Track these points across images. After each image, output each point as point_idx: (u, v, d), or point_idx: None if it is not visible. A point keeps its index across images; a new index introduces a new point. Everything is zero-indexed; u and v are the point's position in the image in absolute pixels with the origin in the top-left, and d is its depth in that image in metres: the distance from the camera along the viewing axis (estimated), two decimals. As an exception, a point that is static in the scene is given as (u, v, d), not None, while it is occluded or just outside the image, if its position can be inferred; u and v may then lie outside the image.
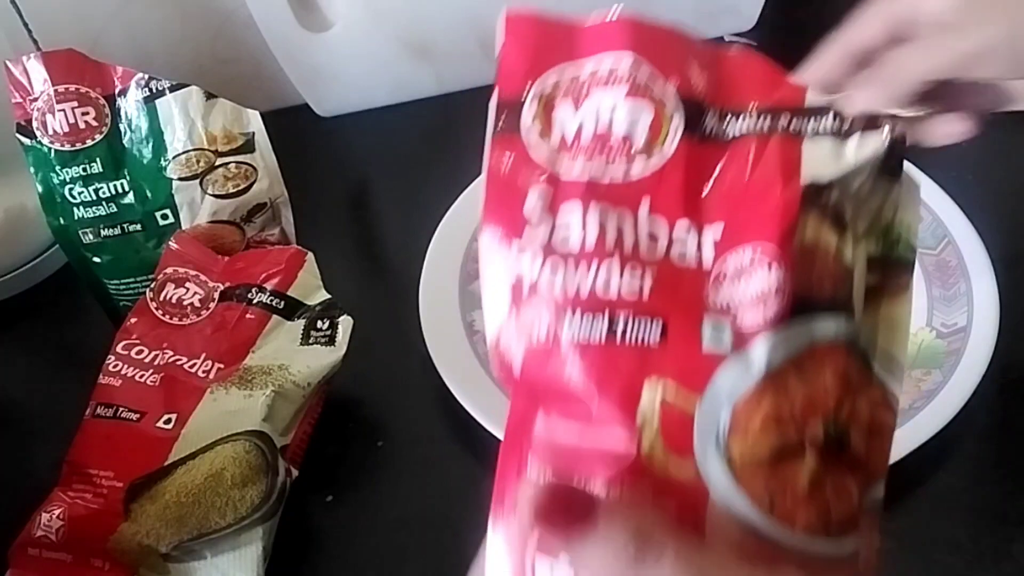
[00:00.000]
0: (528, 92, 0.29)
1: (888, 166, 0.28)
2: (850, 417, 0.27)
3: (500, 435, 0.47)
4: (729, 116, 0.29)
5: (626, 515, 0.26)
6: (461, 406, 0.49)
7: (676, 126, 0.28)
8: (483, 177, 0.29)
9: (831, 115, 0.28)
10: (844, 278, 0.27)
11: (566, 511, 0.26)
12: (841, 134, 0.28)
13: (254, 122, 0.57)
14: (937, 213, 0.55)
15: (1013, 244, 0.54)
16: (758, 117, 0.29)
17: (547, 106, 0.29)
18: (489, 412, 0.49)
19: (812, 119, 0.28)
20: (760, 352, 0.26)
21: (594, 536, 0.26)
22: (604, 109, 0.28)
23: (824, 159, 0.28)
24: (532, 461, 0.28)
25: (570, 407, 0.27)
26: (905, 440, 0.45)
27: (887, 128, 0.28)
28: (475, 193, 0.63)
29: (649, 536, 0.25)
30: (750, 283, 0.27)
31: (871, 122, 0.28)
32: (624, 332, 0.27)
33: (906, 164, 0.28)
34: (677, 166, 0.28)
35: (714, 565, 0.25)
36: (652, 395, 0.27)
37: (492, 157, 0.29)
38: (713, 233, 0.28)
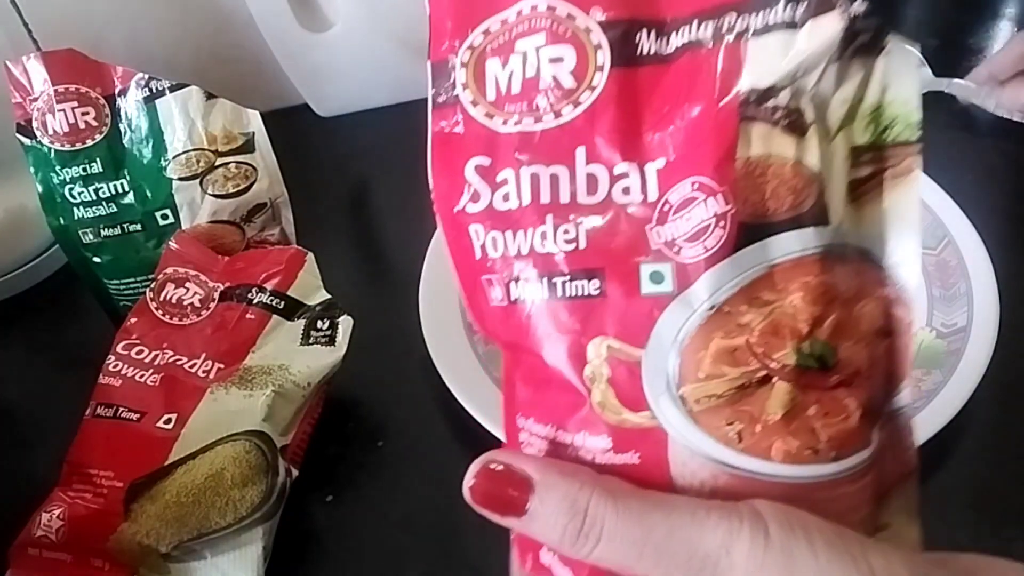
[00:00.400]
0: (458, 54, 0.28)
1: (861, 45, 0.25)
2: (838, 330, 0.25)
3: (500, 435, 0.47)
4: (669, 31, 0.26)
5: (562, 493, 0.26)
6: (461, 406, 0.49)
7: (603, 60, 0.26)
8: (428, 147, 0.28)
9: (781, 3, 0.24)
10: (807, 186, 0.25)
11: (504, 496, 0.29)
12: (795, 24, 0.24)
13: (254, 122, 0.57)
14: (937, 213, 0.55)
15: (1013, 244, 0.54)
16: (699, 25, 0.25)
17: (478, 65, 0.28)
18: (489, 412, 0.49)
19: (759, 13, 0.25)
20: (701, 289, 0.25)
21: (535, 520, 0.27)
22: (529, 57, 0.27)
23: (771, 58, 0.25)
24: (519, 416, 0.30)
25: (531, 364, 0.28)
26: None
27: (841, 5, 0.24)
28: None
29: (583, 513, 0.26)
30: (691, 217, 0.25)
31: (824, 3, 0.24)
32: (563, 289, 0.27)
33: (893, 36, 0.25)
34: (608, 103, 0.26)
35: (659, 526, 0.25)
36: (597, 350, 0.27)
37: (433, 128, 0.29)
38: (656, 167, 0.26)
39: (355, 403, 0.54)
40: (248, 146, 0.56)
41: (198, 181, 0.55)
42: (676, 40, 0.26)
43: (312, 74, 0.73)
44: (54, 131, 0.53)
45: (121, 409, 0.47)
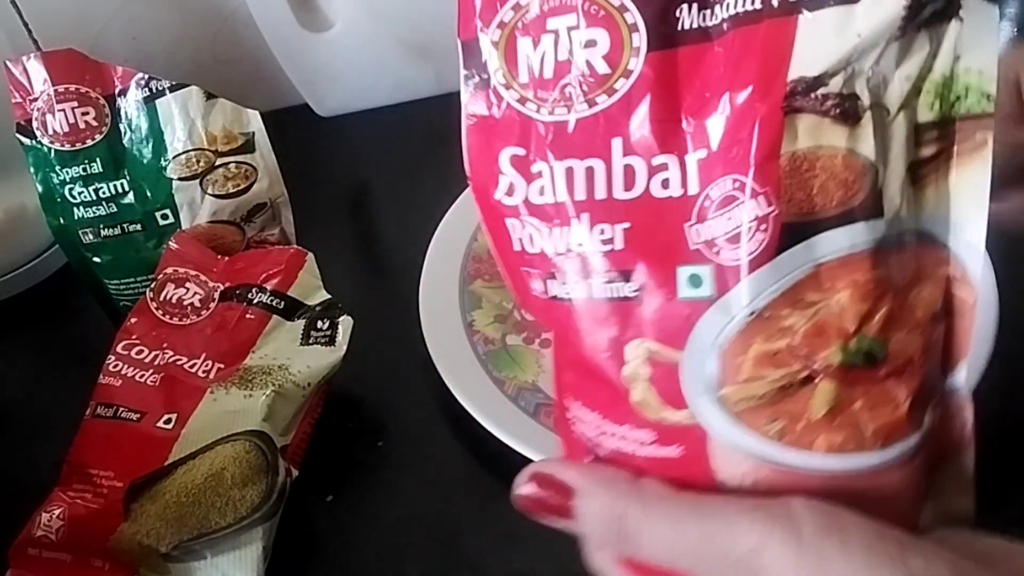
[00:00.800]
0: (488, 32, 0.27)
1: (931, 14, 0.23)
2: (889, 323, 0.24)
3: (500, 435, 0.47)
4: (714, 2, 0.24)
5: (600, 502, 0.27)
6: (461, 406, 0.49)
7: (639, 42, 0.25)
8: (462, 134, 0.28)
9: None
10: (858, 178, 0.24)
11: (550, 504, 0.29)
12: None
13: (254, 122, 0.57)
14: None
15: (1012, 244, 0.54)
16: None
17: (509, 45, 0.26)
18: (489, 412, 0.49)
19: None
20: (741, 294, 0.24)
21: (583, 523, 0.27)
22: (561, 39, 0.25)
23: (824, 39, 0.23)
24: (568, 398, 0.29)
25: (575, 352, 0.28)
26: None
27: None
28: (464, 205, 0.62)
29: (620, 519, 0.26)
30: (732, 217, 0.24)
31: None
32: (601, 290, 0.26)
33: None
34: (644, 89, 0.25)
35: (691, 530, 0.25)
36: (636, 351, 0.26)
37: (466, 112, 0.28)
38: (697, 158, 0.25)
39: (355, 403, 0.54)
40: (248, 146, 0.56)
41: (198, 181, 0.55)
42: (720, 13, 0.24)
43: (312, 74, 0.73)
44: (54, 131, 0.53)
45: (121, 409, 0.47)
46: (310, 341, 0.50)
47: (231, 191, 0.56)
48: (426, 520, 0.48)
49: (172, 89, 0.55)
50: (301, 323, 0.51)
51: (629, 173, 0.25)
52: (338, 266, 0.58)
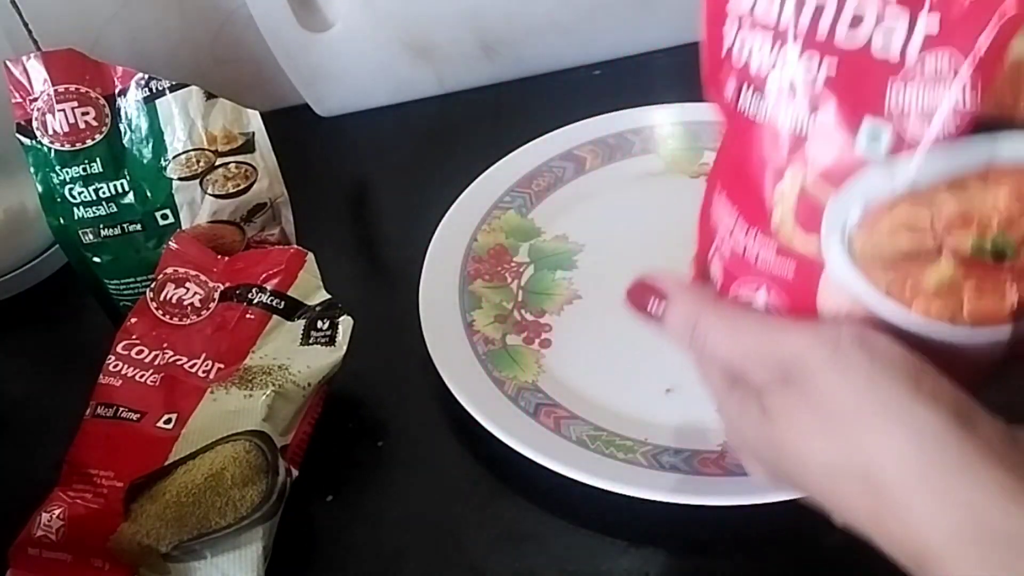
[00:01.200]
0: None
1: None
2: None
3: (499, 434, 0.47)
4: None
5: (683, 309, 0.34)
6: (461, 406, 0.49)
7: None
8: None
9: None
10: None
11: (645, 303, 0.36)
12: None
13: (254, 122, 0.57)
14: None
15: None
16: None
17: None
18: (489, 412, 0.49)
19: None
20: (911, 166, 0.26)
21: (667, 325, 0.35)
22: None
23: None
24: (718, 187, 0.33)
25: (741, 151, 0.30)
26: None
27: None
28: (475, 194, 0.63)
29: (694, 326, 0.33)
30: (935, 93, 0.25)
31: None
32: (787, 117, 0.28)
33: None
34: None
35: (749, 333, 0.31)
36: (794, 178, 0.28)
37: None
38: (927, 22, 0.25)
39: (355, 403, 0.54)
40: (248, 146, 0.56)
41: (198, 181, 0.55)
42: None
43: (312, 74, 0.73)
44: (54, 131, 0.53)
45: (121, 409, 0.47)
46: (310, 341, 0.50)
47: (231, 191, 0.56)
48: (426, 520, 0.48)
49: (172, 89, 0.54)
50: (301, 323, 0.51)
51: (856, 20, 0.26)
52: (338, 266, 0.59)
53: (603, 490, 0.45)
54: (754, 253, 0.31)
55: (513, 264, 0.59)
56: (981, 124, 0.25)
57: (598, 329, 0.55)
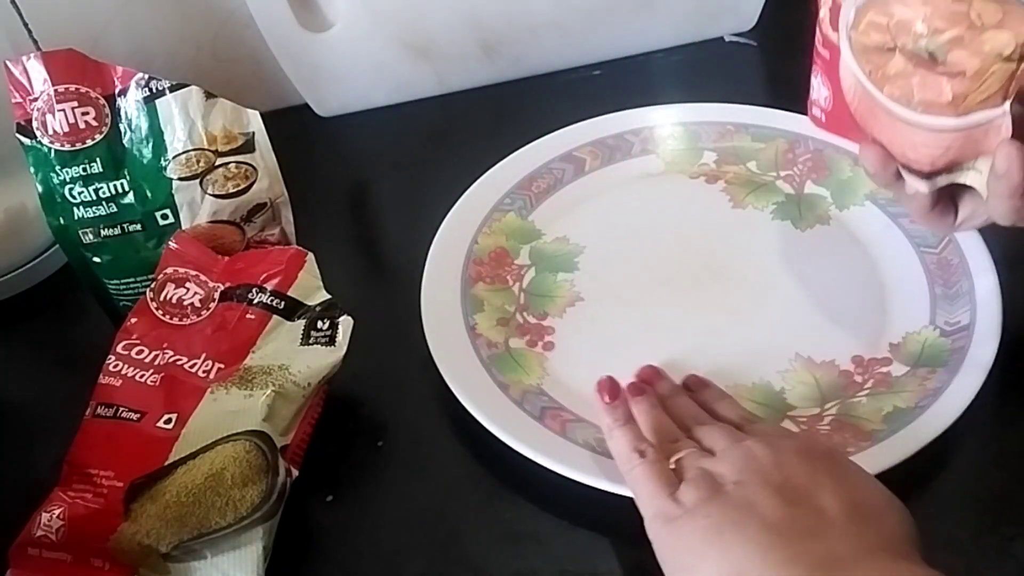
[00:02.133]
0: None
1: None
2: (955, 42, 0.37)
3: (506, 439, 0.47)
4: None
5: None
6: (461, 406, 0.49)
7: None
8: None
9: None
10: None
11: None
12: None
13: (254, 122, 0.57)
14: None
15: (1014, 243, 0.54)
16: None
17: None
18: (495, 416, 0.48)
19: None
20: None
21: None
22: None
23: None
24: None
25: None
26: (911, 439, 0.45)
27: None
28: (475, 196, 0.62)
29: None
30: None
31: None
32: None
33: None
34: None
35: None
36: None
37: None
38: None
39: (355, 403, 0.54)
40: (248, 146, 0.56)
41: (198, 181, 0.55)
42: None
43: (312, 74, 0.73)
44: (54, 131, 0.53)
45: (121, 409, 0.47)
46: (310, 341, 0.50)
47: (231, 191, 0.56)
48: (426, 520, 0.48)
49: (172, 89, 0.54)
50: (301, 323, 0.51)
51: None
52: (338, 266, 0.58)
53: (603, 490, 0.45)
54: (818, 42, 0.46)
55: (514, 267, 0.59)
56: None
57: (601, 331, 0.55)
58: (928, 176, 0.42)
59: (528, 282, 0.58)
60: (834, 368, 0.51)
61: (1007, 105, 0.37)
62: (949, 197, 0.45)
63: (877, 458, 0.44)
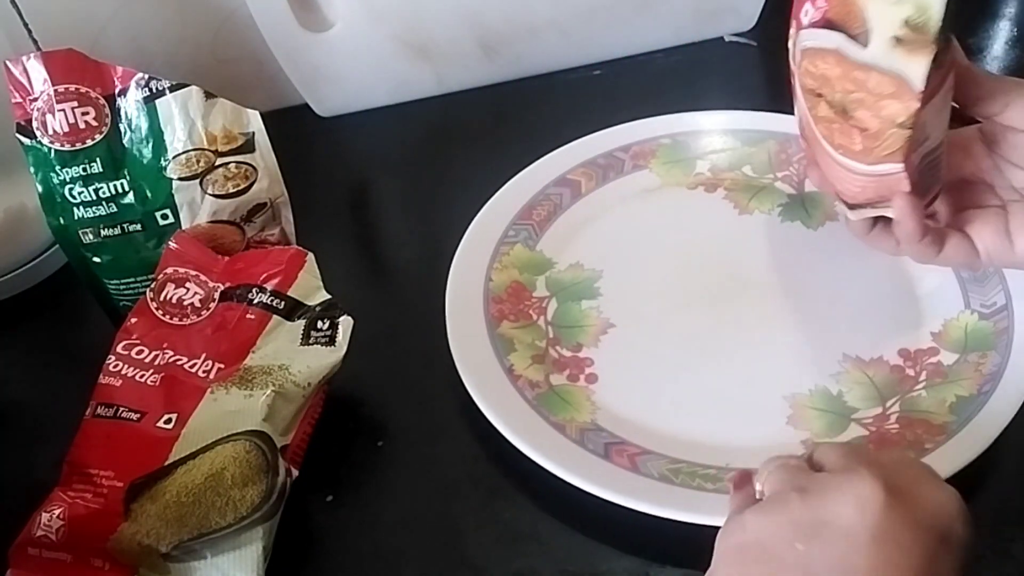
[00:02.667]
0: None
1: None
2: (856, 103, 0.40)
3: (586, 486, 0.45)
4: None
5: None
6: (462, 405, 0.49)
7: None
8: None
9: None
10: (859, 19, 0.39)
11: None
12: None
13: (254, 122, 0.57)
14: None
15: None
16: None
17: None
18: (563, 461, 0.46)
19: None
20: (801, 34, 0.42)
21: None
22: None
23: None
24: None
25: None
26: (986, 427, 0.45)
27: None
28: (477, 231, 0.59)
29: None
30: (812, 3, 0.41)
31: None
32: None
33: None
34: None
35: None
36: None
37: None
38: None
39: (355, 403, 0.54)
40: (248, 146, 0.56)
41: (198, 181, 0.55)
42: None
43: (312, 74, 0.73)
44: (54, 131, 0.53)
45: (121, 409, 0.47)
46: (310, 341, 0.50)
47: (231, 191, 0.56)
48: (426, 520, 0.48)
49: (172, 89, 0.54)
50: (301, 323, 0.51)
51: None
52: (338, 266, 0.58)
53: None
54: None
55: (534, 299, 0.57)
56: (829, 23, 0.40)
57: (642, 356, 0.53)
58: (852, 207, 0.46)
59: (552, 314, 0.56)
60: (884, 364, 0.51)
61: (902, 165, 0.40)
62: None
63: (957, 452, 0.44)
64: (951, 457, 0.44)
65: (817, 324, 0.53)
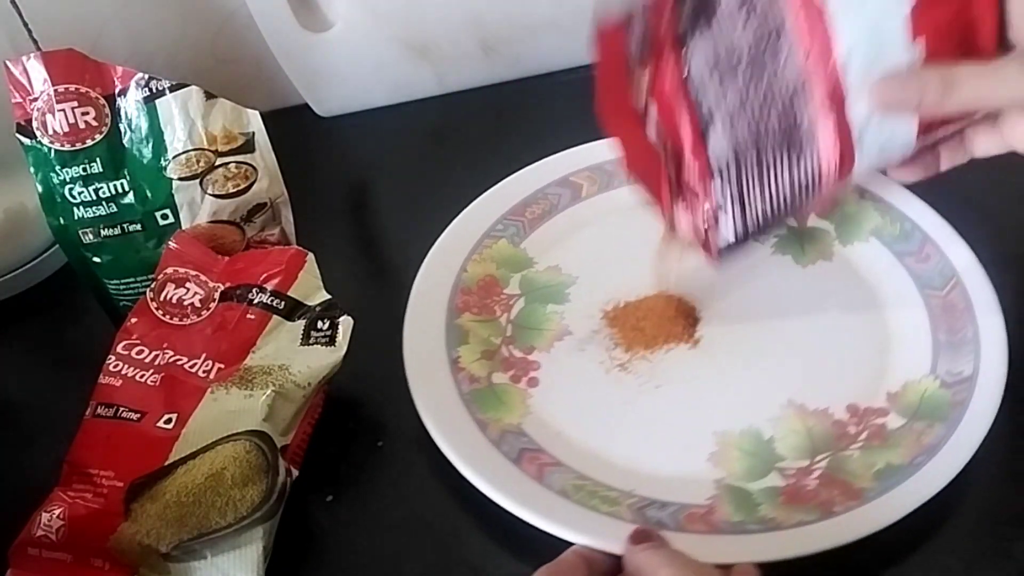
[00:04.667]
0: None
1: None
2: None
3: (479, 484, 0.46)
4: None
5: None
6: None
7: None
8: None
9: None
10: None
11: None
12: None
13: (254, 122, 0.57)
14: (945, 251, 0.54)
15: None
16: None
17: None
18: (469, 457, 0.47)
19: None
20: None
21: None
22: None
23: None
24: None
25: None
26: (901, 500, 0.43)
27: None
28: (466, 221, 0.60)
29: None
30: None
31: None
32: None
33: None
34: None
35: None
36: None
37: None
38: None
39: (355, 403, 0.54)
40: (248, 146, 0.56)
41: (198, 181, 0.55)
42: None
43: (312, 74, 0.73)
44: (54, 131, 0.53)
45: (121, 409, 0.47)
46: (310, 341, 0.50)
47: (231, 191, 0.56)
48: (426, 520, 0.48)
49: (172, 89, 0.54)
50: (301, 323, 0.51)
51: None
52: (338, 266, 0.58)
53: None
54: None
55: (503, 296, 0.57)
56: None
57: (587, 368, 0.53)
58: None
59: (516, 313, 0.56)
60: (827, 417, 0.49)
61: None
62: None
63: (862, 522, 0.42)
64: (854, 526, 0.42)
65: (774, 364, 0.51)
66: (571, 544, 0.43)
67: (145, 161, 0.55)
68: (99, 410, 0.48)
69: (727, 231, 0.44)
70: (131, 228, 0.55)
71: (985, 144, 0.44)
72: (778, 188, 0.43)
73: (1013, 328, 0.49)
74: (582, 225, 0.61)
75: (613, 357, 0.53)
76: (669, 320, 0.53)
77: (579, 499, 0.45)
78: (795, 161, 0.41)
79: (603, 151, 0.62)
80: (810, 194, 0.43)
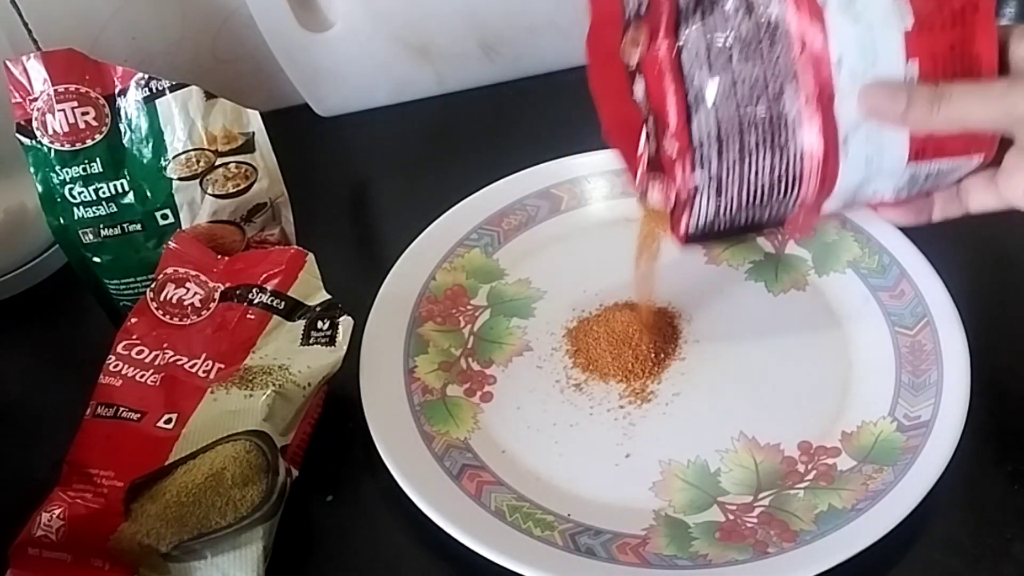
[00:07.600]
0: None
1: None
2: None
3: (415, 497, 0.45)
4: None
5: None
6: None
7: None
8: None
9: None
10: None
11: None
12: None
13: (254, 122, 0.57)
14: (920, 289, 0.52)
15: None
16: None
17: None
18: (410, 472, 0.47)
19: None
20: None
21: None
22: None
23: None
24: None
25: None
26: (838, 546, 0.42)
27: None
28: (440, 228, 0.59)
29: None
30: None
31: None
32: None
33: None
34: None
35: None
36: None
37: None
38: None
39: (355, 403, 0.54)
40: (248, 146, 0.56)
41: (198, 181, 0.55)
42: None
43: (312, 74, 0.73)
44: (54, 131, 0.53)
45: (121, 409, 0.47)
46: (310, 341, 0.50)
47: (231, 191, 0.56)
48: (426, 520, 0.48)
49: (172, 89, 0.54)
50: (301, 323, 0.51)
51: None
52: (338, 266, 0.58)
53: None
54: None
55: (469, 307, 0.56)
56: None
57: (540, 387, 0.52)
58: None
59: (480, 325, 0.55)
60: (778, 453, 0.48)
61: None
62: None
63: (790, 566, 0.42)
64: (784, 569, 0.42)
65: (729, 394, 0.50)
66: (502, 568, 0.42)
67: (145, 161, 0.55)
68: (99, 410, 0.48)
69: (698, 214, 0.42)
70: (131, 228, 0.55)
71: (980, 198, 0.44)
72: (757, 178, 0.41)
73: (976, 376, 0.48)
74: (558, 239, 0.60)
75: (569, 376, 0.52)
76: (629, 345, 0.52)
77: (514, 521, 0.45)
78: (778, 153, 0.40)
79: (588, 163, 0.61)
80: (789, 193, 0.42)
